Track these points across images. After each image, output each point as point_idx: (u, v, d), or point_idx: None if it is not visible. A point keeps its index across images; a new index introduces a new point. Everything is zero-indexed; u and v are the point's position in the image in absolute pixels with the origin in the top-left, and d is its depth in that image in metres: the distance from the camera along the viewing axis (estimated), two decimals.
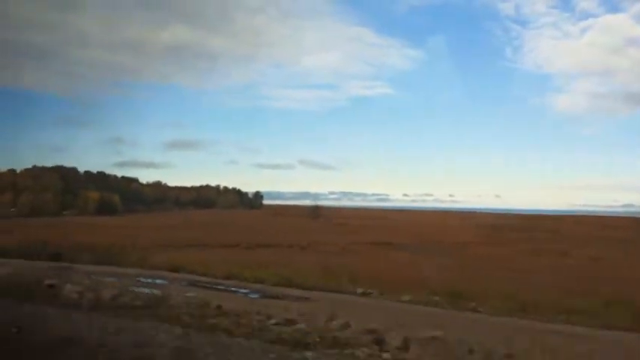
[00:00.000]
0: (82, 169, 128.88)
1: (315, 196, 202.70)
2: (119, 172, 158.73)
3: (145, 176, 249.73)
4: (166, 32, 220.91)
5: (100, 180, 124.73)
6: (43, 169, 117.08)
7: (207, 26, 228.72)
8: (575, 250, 41.66)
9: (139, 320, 7.05)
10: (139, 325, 6.57)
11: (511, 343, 7.10)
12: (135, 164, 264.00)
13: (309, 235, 51.08)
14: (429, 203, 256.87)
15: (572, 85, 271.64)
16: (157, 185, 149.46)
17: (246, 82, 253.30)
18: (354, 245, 43.16)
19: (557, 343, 8.50)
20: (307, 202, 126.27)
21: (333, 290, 17.78)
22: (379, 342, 6.90)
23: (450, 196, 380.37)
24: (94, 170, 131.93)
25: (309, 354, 5.66)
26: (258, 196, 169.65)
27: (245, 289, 17.83)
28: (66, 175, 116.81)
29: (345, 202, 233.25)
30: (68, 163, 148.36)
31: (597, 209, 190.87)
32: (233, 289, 17.75)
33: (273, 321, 7.61)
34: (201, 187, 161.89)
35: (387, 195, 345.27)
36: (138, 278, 18.57)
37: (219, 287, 17.83)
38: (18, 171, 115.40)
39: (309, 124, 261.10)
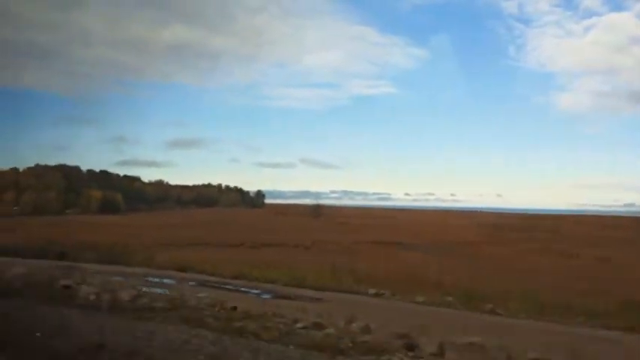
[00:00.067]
0: (84, 168, 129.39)
1: (317, 195, 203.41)
2: (121, 171, 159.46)
3: (147, 175, 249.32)
4: (168, 31, 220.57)
5: (103, 179, 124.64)
6: (46, 167, 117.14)
7: (209, 25, 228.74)
8: (578, 250, 41.56)
9: (165, 323, 6.86)
10: (168, 328, 6.37)
11: (552, 350, 6.87)
12: (137, 163, 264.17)
13: (311, 234, 51.00)
14: (431, 202, 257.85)
15: (575, 84, 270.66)
16: (159, 184, 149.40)
17: (248, 81, 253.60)
18: (357, 244, 43.06)
19: (601, 350, 8.14)
20: (308, 201, 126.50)
21: (345, 291, 17.60)
22: (411, 347, 6.69)
23: (452, 195, 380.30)
24: (97, 169, 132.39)
25: None
26: (260, 194, 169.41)
27: (255, 289, 17.66)
28: (68, 173, 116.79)
29: (347, 202, 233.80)
30: (71, 162, 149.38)
31: (598, 209, 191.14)
32: (243, 289, 17.58)
33: (300, 325, 7.41)
34: (202, 185, 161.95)
35: (388, 194, 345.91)
36: (146, 278, 18.40)
37: (228, 287, 17.67)
38: (21, 170, 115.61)
39: (310, 123, 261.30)
